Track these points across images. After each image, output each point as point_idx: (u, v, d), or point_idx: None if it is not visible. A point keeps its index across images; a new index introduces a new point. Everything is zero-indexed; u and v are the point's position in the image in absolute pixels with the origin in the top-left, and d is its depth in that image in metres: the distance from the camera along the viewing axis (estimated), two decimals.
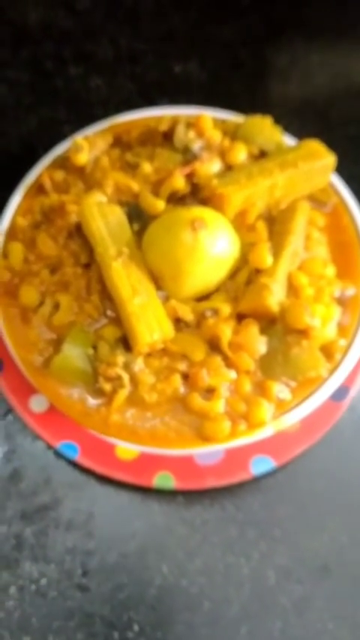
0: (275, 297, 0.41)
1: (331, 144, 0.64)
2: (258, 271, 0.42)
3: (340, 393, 0.49)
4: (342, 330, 0.43)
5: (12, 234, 0.46)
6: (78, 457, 0.47)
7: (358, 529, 0.47)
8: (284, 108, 0.65)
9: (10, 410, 0.49)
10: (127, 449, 0.47)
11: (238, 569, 0.46)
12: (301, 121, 0.64)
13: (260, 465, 0.47)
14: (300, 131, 0.54)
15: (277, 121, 0.56)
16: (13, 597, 0.45)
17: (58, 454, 0.48)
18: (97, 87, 0.66)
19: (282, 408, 0.41)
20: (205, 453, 0.47)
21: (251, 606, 0.45)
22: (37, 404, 0.47)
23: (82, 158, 0.46)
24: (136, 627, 0.44)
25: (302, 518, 0.48)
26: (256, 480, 0.48)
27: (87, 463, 0.47)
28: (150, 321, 0.40)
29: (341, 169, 0.62)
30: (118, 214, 0.43)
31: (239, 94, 0.66)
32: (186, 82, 0.66)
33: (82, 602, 0.45)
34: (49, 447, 0.48)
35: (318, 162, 0.45)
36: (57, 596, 0.45)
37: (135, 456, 0.47)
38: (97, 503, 0.48)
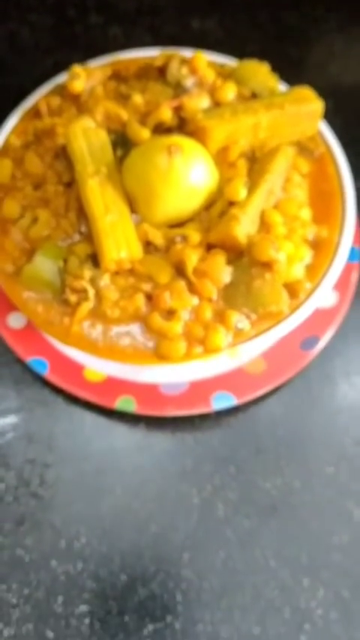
0: (243, 228, 0.41)
1: (338, 109, 0.64)
2: (231, 204, 0.43)
3: (309, 342, 0.49)
4: (310, 273, 0.44)
5: (4, 151, 0.47)
6: (47, 374, 0.48)
7: (310, 477, 0.47)
8: (296, 72, 0.65)
9: None
10: (94, 371, 0.49)
11: (189, 498, 0.47)
12: (312, 85, 0.65)
13: (221, 400, 0.48)
14: None
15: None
16: None
17: (31, 370, 0.50)
18: (114, 36, 0.68)
19: (239, 337, 0.41)
20: (170, 383, 0.48)
21: (197, 535, 0.46)
22: (15, 320, 0.50)
23: (78, 86, 0.48)
24: (83, 539, 0.46)
25: (259, 459, 0.48)
26: (219, 417, 0.49)
27: (55, 380, 0.48)
28: (119, 239, 0.41)
29: (347, 132, 0.62)
30: (102, 138, 0.44)
31: (253, 53, 0.66)
32: (202, 38, 0.67)
33: (35, 509, 0.47)
34: (22, 361, 0.50)
35: (305, 107, 0.45)
36: (12, 501, 0.47)
37: (102, 379, 0.49)
38: (62, 421, 0.49)
